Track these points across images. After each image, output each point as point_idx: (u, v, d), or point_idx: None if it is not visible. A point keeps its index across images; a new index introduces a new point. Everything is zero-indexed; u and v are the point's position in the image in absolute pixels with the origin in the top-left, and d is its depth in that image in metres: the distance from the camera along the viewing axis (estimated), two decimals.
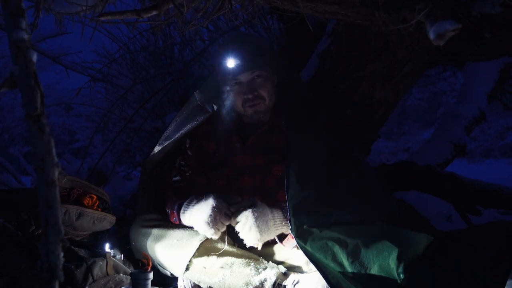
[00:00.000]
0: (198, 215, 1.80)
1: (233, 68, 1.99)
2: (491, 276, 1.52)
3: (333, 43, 2.71)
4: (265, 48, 2.13)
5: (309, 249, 1.65)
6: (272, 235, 1.79)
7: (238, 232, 1.77)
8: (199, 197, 1.89)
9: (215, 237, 1.78)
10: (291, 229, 1.69)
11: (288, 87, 2.17)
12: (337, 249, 1.62)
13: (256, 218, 1.73)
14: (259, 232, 1.72)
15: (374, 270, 1.57)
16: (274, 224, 1.78)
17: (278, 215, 1.80)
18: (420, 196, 2.91)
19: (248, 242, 1.76)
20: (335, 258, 1.62)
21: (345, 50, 2.59)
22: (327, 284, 1.63)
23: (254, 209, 1.75)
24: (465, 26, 1.60)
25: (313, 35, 3.10)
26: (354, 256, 1.60)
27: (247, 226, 1.74)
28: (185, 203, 1.91)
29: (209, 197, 1.82)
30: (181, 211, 1.91)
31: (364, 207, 1.85)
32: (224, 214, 1.77)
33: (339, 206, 1.81)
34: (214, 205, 1.77)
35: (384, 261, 1.56)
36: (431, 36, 1.50)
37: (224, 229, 1.80)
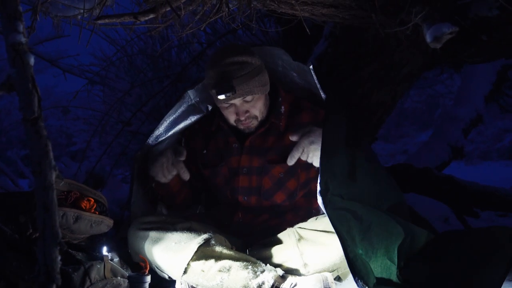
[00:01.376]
0: (153, 158, 2.05)
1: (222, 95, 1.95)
2: (488, 277, 1.53)
3: (330, 46, 2.72)
4: (257, 61, 2.01)
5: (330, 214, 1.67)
6: None
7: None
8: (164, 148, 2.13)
9: (163, 181, 2.05)
10: (318, 192, 1.72)
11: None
12: (353, 223, 1.64)
13: (316, 149, 1.89)
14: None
15: (381, 252, 1.59)
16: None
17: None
18: (418, 198, 2.91)
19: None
20: (349, 232, 1.63)
21: (342, 53, 2.59)
22: (325, 286, 1.65)
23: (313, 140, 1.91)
24: (462, 28, 1.61)
25: (311, 38, 3.11)
26: (365, 233, 1.62)
27: (315, 156, 1.91)
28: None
29: (167, 148, 2.07)
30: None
31: (378, 191, 1.87)
32: (171, 164, 2.01)
33: (358, 184, 1.83)
34: (168, 153, 2.02)
35: (391, 245, 1.59)
36: (428, 39, 1.51)
37: (170, 177, 2.04)
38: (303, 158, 1.93)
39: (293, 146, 1.97)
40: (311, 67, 1.98)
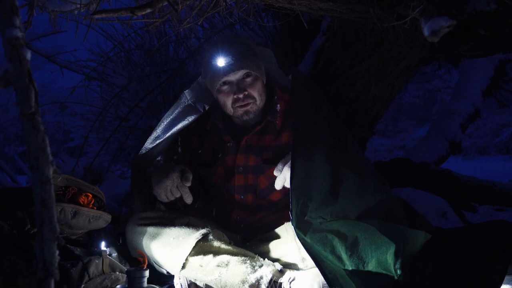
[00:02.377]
0: (158, 178, 1.96)
1: (222, 67, 1.98)
2: (489, 273, 1.53)
3: (328, 40, 2.72)
4: (255, 49, 2.10)
5: (308, 241, 1.66)
6: None
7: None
8: (167, 164, 2.08)
9: (165, 201, 2.00)
10: (291, 220, 1.69)
11: (297, 80, 2.17)
12: (336, 242, 1.64)
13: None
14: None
15: (372, 264, 1.58)
16: None
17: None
18: (415, 192, 2.92)
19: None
20: (334, 251, 1.63)
21: (340, 47, 2.59)
22: (323, 281, 1.64)
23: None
24: (460, 22, 1.61)
25: (308, 32, 3.11)
26: (352, 249, 1.61)
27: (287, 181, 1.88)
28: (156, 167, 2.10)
29: (174, 167, 1.97)
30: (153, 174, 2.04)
31: (364, 201, 1.86)
32: (176, 188, 1.95)
33: (341, 199, 1.82)
34: (174, 176, 1.94)
35: (382, 256, 1.57)
36: (426, 32, 1.51)
37: (173, 198, 1.97)
38: (287, 186, 1.89)
39: (289, 146, 1.98)
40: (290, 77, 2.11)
